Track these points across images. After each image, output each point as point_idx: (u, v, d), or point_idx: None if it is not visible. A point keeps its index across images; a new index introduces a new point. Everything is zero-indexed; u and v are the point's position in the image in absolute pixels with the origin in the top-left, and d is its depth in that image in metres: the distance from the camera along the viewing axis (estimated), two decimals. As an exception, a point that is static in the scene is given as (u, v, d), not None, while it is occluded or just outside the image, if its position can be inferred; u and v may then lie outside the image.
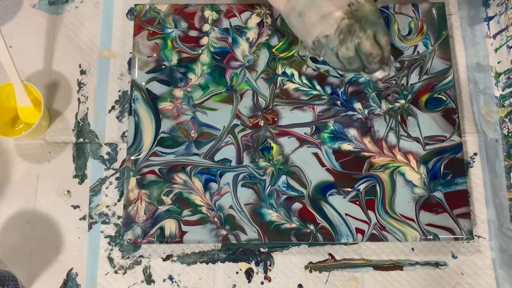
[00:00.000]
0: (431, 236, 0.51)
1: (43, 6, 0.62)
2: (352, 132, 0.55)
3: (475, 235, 0.55)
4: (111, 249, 0.55)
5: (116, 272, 0.54)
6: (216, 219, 0.52)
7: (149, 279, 0.54)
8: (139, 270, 0.54)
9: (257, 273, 0.54)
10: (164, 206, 0.53)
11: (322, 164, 0.54)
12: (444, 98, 0.56)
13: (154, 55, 0.57)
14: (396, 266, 0.54)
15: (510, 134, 0.56)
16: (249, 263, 0.54)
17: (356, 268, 0.54)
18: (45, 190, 0.56)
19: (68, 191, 0.56)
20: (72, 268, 0.54)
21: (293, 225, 0.52)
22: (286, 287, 0.53)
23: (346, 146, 0.55)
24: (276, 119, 0.55)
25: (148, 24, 0.58)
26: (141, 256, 0.54)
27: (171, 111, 0.56)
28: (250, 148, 0.55)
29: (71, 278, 0.54)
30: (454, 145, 0.54)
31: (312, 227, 0.52)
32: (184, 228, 0.52)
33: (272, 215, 0.52)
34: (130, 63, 0.60)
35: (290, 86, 0.56)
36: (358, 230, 0.52)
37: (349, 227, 0.52)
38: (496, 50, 0.60)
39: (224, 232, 0.52)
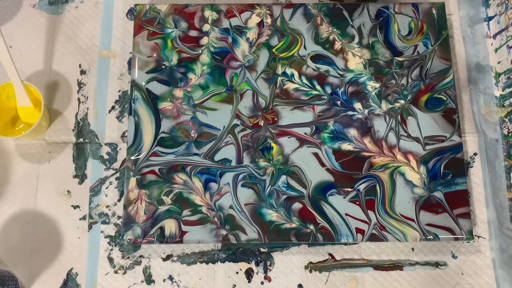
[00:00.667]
0: (431, 236, 0.51)
1: (43, 6, 0.62)
2: (352, 132, 0.55)
3: (475, 235, 0.55)
4: (111, 249, 0.55)
5: (116, 272, 0.54)
6: (216, 219, 0.52)
7: (149, 279, 0.54)
8: (139, 270, 0.54)
9: (257, 273, 0.54)
10: (164, 206, 0.53)
11: (322, 164, 0.54)
12: (444, 98, 0.56)
13: (154, 55, 0.57)
14: (396, 266, 0.54)
15: (510, 134, 0.56)
16: (249, 263, 0.54)
17: (356, 268, 0.54)
18: (45, 190, 0.56)
19: (68, 191, 0.56)
20: (72, 268, 0.54)
21: (293, 225, 0.52)
22: (286, 287, 0.53)
23: (346, 146, 0.55)
24: (276, 119, 0.55)
25: (148, 24, 0.58)
26: (141, 256, 0.54)
27: (171, 111, 0.56)
28: (250, 148, 0.55)
29: (71, 278, 0.54)
30: (454, 145, 0.54)
31: (312, 227, 0.52)
32: (184, 228, 0.52)
33: (272, 215, 0.52)
34: (130, 63, 0.60)
35: (290, 86, 0.56)
36: (358, 230, 0.52)
37: (349, 227, 0.52)
38: (496, 50, 0.60)
39: (224, 232, 0.52)
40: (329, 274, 0.54)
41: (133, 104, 0.56)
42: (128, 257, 0.54)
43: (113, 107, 0.59)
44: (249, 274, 0.54)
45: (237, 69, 0.57)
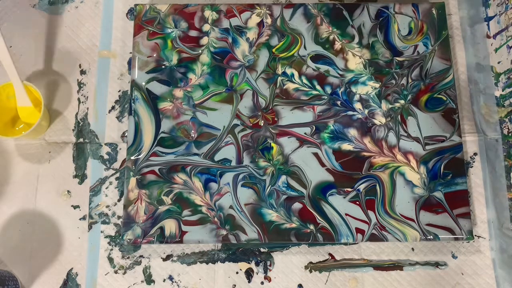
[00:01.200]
0: (431, 236, 0.51)
1: (43, 6, 0.62)
2: (352, 132, 0.55)
3: (475, 235, 0.55)
4: (111, 249, 0.55)
5: (116, 272, 0.54)
6: (216, 219, 0.52)
7: (149, 279, 0.54)
8: (139, 270, 0.54)
9: (257, 273, 0.54)
10: (164, 206, 0.53)
11: (322, 164, 0.54)
12: (444, 98, 0.56)
13: (154, 55, 0.57)
14: (396, 266, 0.54)
15: (510, 134, 0.56)
16: (249, 263, 0.54)
17: (356, 268, 0.54)
18: (45, 190, 0.56)
19: (68, 191, 0.56)
20: (72, 268, 0.54)
21: (293, 225, 0.52)
22: (286, 287, 0.53)
23: (346, 146, 0.55)
24: (276, 119, 0.55)
25: (148, 24, 0.58)
26: (141, 256, 0.54)
27: (171, 111, 0.56)
28: (250, 148, 0.55)
29: (71, 278, 0.54)
30: (454, 145, 0.54)
31: (312, 227, 0.52)
32: (184, 228, 0.52)
33: (272, 215, 0.52)
34: (130, 63, 0.60)
35: (290, 86, 0.56)
36: (358, 230, 0.52)
37: (349, 227, 0.52)
38: (496, 50, 0.60)
39: (224, 232, 0.52)
40: (329, 274, 0.54)
41: (133, 104, 0.56)
42: (128, 257, 0.54)
43: (113, 107, 0.59)
44: (249, 274, 0.54)
45: (237, 69, 0.57)
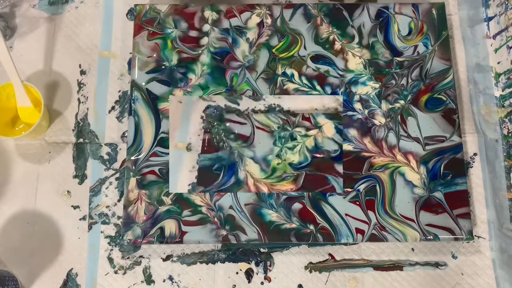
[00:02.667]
0: (431, 236, 0.51)
1: (43, 6, 0.62)
2: (352, 132, 0.55)
3: (475, 235, 0.55)
4: (111, 249, 0.55)
5: (116, 272, 0.54)
6: (216, 219, 0.52)
7: (149, 279, 0.54)
8: (139, 270, 0.54)
9: (257, 273, 0.54)
10: (164, 206, 0.53)
11: (322, 164, 0.54)
12: (444, 98, 0.56)
13: (154, 55, 0.57)
14: (396, 266, 0.54)
15: (510, 134, 0.56)
16: (249, 263, 0.54)
17: (356, 268, 0.54)
18: (45, 190, 0.56)
19: (68, 191, 0.56)
20: (72, 268, 0.54)
21: (293, 225, 0.52)
22: (286, 287, 0.53)
23: (346, 146, 0.55)
24: (276, 119, 0.55)
25: (148, 24, 0.58)
26: (141, 256, 0.54)
27: (171, 111, 0.56)
28: (250, 148, 0.54)
29: (71, 278, 0.54)
30: (454, 145, 0.54)
31: (312, 227, 0.52)
32: (184, 228, 0.52)
33: (272, 215, 0.52)
34: (130, 63, 0.60)
35: (290, 86, 0.56)
36: (358, 230, 0.52)
37: (349, 227, 0.52)
38: (496, 50, 0.60)
39: (224, 232, 0.52)
40: (329, 274, 0.54)
41: (133, 104, 0.56)
42: (128, 257, 0.54)
43: (113, 107, 0.59)
44: (249, 274, 0.54)
45: (237, 69, 0.57)
